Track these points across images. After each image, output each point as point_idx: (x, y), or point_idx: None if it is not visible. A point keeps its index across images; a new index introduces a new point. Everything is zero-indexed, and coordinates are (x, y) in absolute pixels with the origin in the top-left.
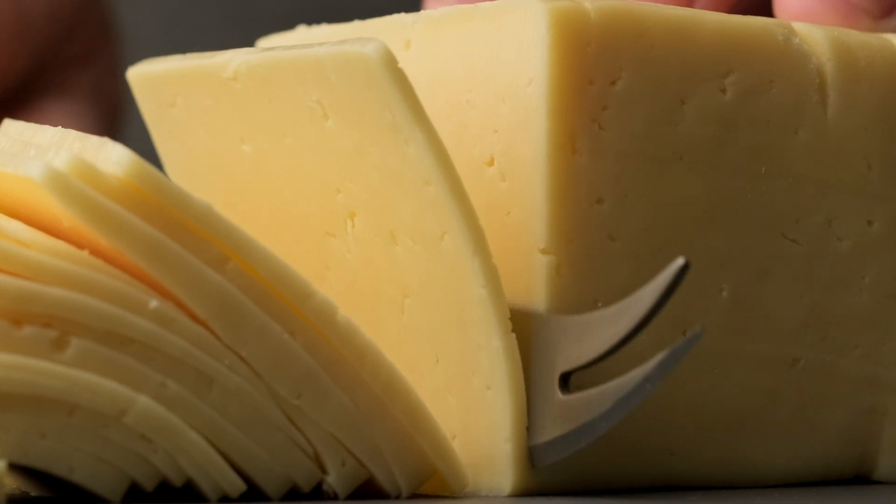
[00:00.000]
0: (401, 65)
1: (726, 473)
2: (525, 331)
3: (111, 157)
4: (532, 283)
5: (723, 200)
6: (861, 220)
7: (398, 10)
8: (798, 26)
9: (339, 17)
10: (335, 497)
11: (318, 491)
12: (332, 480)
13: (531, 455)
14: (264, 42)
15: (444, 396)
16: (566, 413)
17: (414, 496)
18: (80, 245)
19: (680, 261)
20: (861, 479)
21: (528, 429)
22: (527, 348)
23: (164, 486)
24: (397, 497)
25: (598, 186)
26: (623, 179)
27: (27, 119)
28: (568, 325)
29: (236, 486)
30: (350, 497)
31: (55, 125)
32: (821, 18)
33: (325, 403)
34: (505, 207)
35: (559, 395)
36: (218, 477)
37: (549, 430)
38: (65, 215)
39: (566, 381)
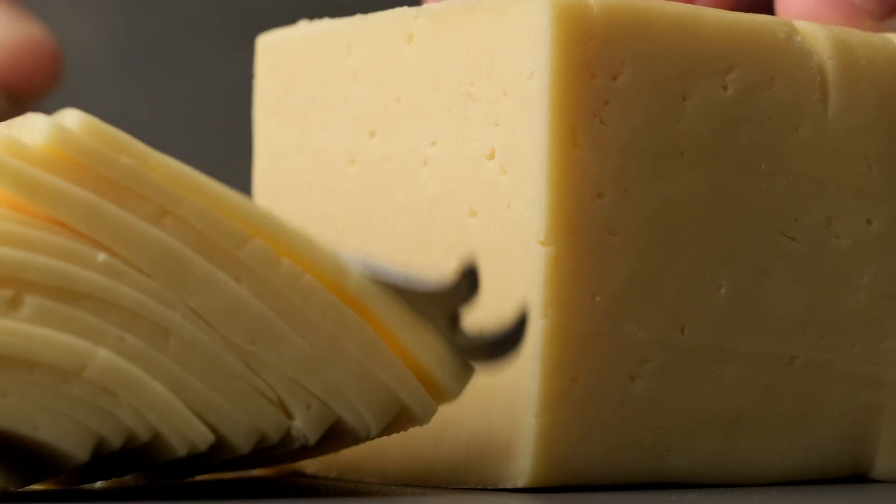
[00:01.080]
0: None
1: (723, 471)
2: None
3: (33, 126)
4: (531, 274)
5: (723, 197)
6: (860, 219)
7: (398, 5)
8: (800, 24)
9: (341, 14)
10: (307, 442)
11: (288, 439)
12: (300, 425)
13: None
14: (265, 38)
15: None
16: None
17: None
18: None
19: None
20: (858, 477)
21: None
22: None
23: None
24: (367, 435)
25: (598, 181)
26: (624, 174)
27: None
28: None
29: (204, 437)
30: (321, 441)
31: None
32: (823, 19)
33: (280, 348)
34: (505, 200)
35: (463, 333)
36: (185, 429)
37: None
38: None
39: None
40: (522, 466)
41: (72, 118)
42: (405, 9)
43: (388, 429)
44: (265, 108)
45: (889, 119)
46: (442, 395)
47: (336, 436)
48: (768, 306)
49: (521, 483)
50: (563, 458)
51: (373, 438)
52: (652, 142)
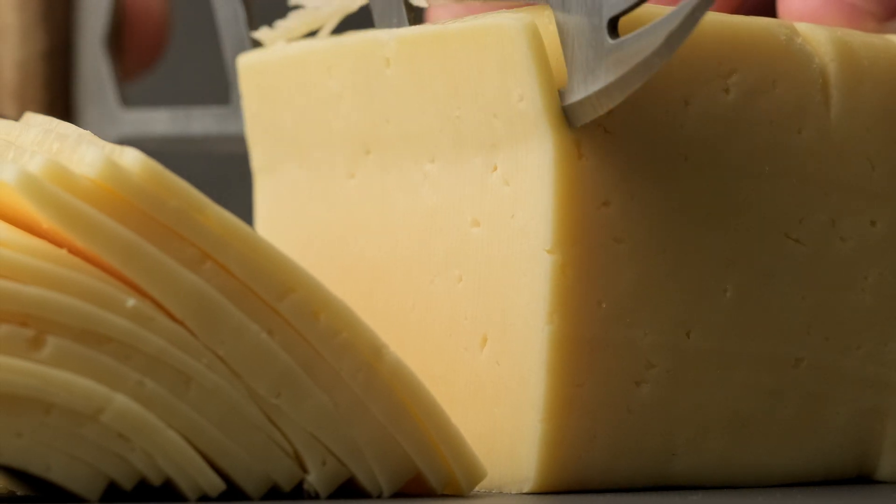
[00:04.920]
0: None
1: (728, 473)
2: None
3: (84, 158)
4: (536, 282)
5: (727, 201)
6: (864, 221)
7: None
8: (801, 26)
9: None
10: (316, 496)
11: (298, 490)
12: (313, 479)
13: (570, 113)
14: (245, 59)
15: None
16: (618, 57)
17: (397, 495)
18: (59, 244)
19: None
20: (863, 479)
21: (574, 84)
22: (571, 3)
23: (143, 486)
24: (378, 496)
25: (604, 189)
26: (629, 181)
27: None
28: None
29: (215, 485)
30: (331, 496)
31: None
32: (825, 20)
33: (304, 403)
34: (509, 210)
35: (609, 41)
36: (197, 476)
37: (602, 78)
38: (42, 217)
39: (615, 27)
40: (528, 472)
41: (130, 157)
42: (378, 32)
43: (400, 493)
44: (256, 127)
45: (891, 120)
46: (451, 486)
47: (347, 493)
48: (773, 309)
49: (525, 488)
50: (568, 463)
51: (383, 499)
52: (656, 148)
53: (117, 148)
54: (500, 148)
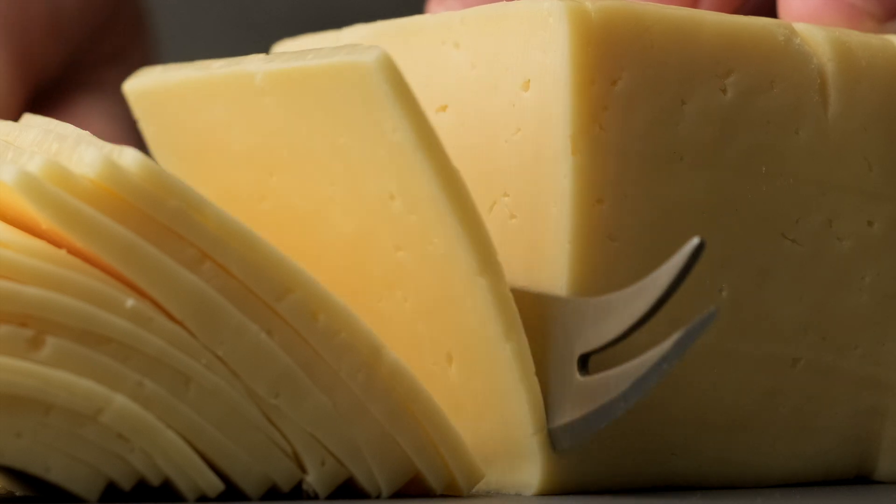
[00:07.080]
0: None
1: (727, 474)
2: (542, 314)
3: (84, 158)
4: (480, 306)
5: (723, 200)
6: (861, 221)
7: (402, 12)
8: (799, 27)
9: (347, 20)
10: (315, 497)
11: (297, 490)
12: (312, 480)
13: (551, 438)
14: (129, 85)
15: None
16: (584, 395)
17: (396, 496)
18: (58, 245)
19: (695, 240)
20: (861, 479)
21: (546, 412)
22: (544, 331)
23: (142, 486)
24: (378, 497)
25: (598, 187)
26: (623, 179)
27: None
28: (586, 307)
29: (214, 485)
30: (330, 497)
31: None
32: (825, 21)
33: (303, 403)
34: (424, 237)
35: (578, 377)
36: (196, 476)
37: (568, 413)
38: (41, 217)
39: (585, 364)
40: (531, 476)
41: (129, 157)
42: (245, 63)
43: (399, 493)
44: (160, 149)
45: (889, 120)
46: (450, 486)
47: (346, 493)
48: (770, 308)
49: (528, 492)
50: (570, 466)
51: (382, 499)
52: (651, 146)
53: (116, 148)
54: (390, 175)
